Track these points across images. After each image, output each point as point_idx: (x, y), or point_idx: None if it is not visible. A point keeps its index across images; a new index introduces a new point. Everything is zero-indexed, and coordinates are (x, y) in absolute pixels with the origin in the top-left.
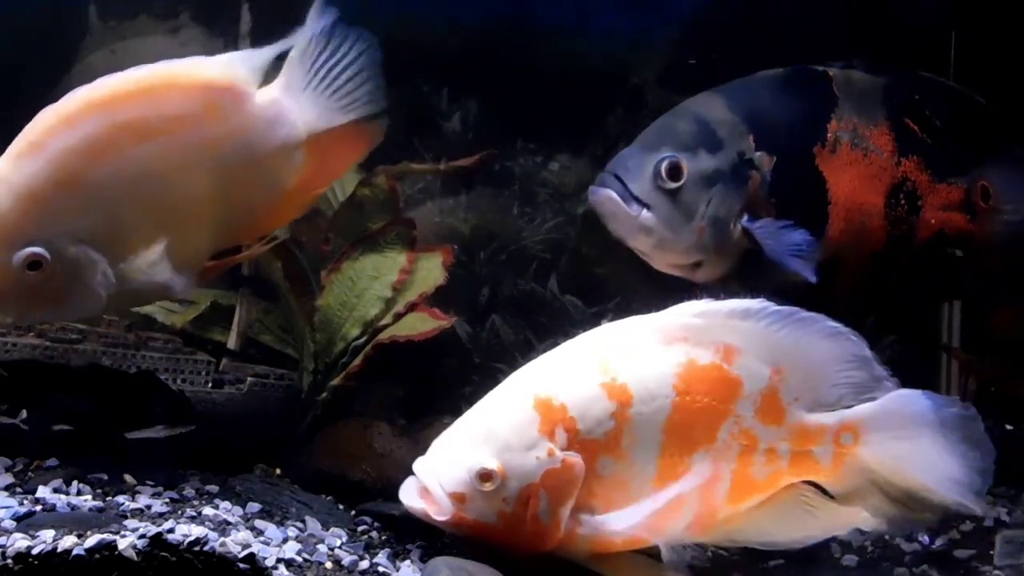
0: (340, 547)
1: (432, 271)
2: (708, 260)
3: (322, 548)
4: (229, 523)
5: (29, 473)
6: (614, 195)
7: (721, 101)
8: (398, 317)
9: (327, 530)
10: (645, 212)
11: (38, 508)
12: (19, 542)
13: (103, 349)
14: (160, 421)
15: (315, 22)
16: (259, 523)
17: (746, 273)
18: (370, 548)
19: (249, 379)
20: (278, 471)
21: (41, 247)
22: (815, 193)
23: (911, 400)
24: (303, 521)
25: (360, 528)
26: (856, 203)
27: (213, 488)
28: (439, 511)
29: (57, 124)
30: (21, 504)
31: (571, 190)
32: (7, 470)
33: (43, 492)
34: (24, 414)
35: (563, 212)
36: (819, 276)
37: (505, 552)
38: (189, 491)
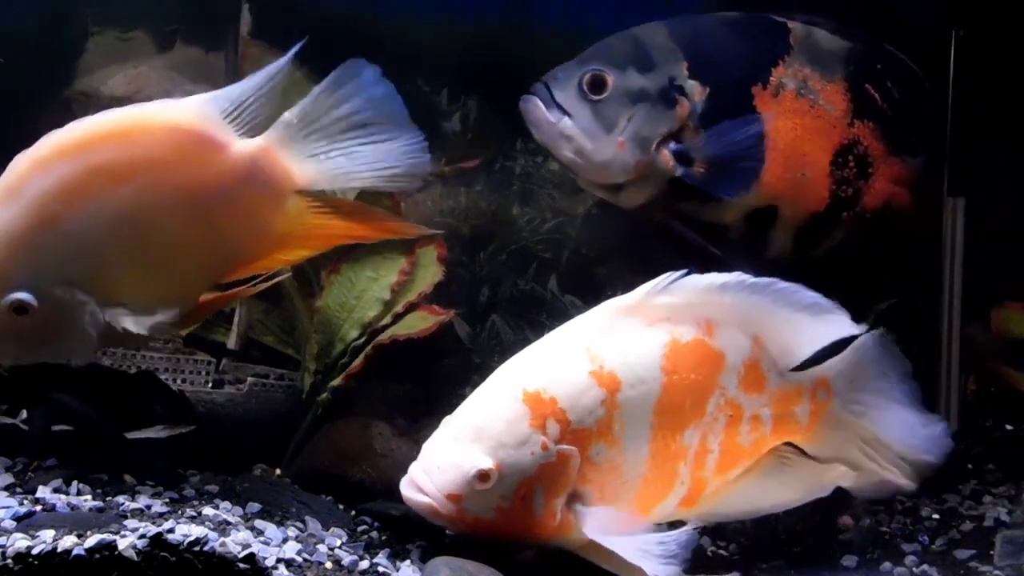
0: (340, 547)
1: (429, 268)
2: (631, 183)
3: (322, 548)
4: (229, 523)
5: (29, 473)
6: (539, 101)
7: (663, 28)
8: (397, 318)
9: (327, 530)
10: (566, 120)
11: (38, 508)
12: (19, 542)
13: (103, 349)
14: (160, 421)
15: (334, 81)
16: (259, 523)
17: (672, 204)
18: (370, 548)
19: (249, 379)
20: (278, 471)
21: (26, 292)
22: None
23: (875, 348)
24: (303, 521)
25: (360, 528)
26: (797, 152)
27: (213, 488)
28: (438, 511)
29: (31, 169)
30: (21, 504)
31: (571, 190)
32: (7, 470)
33: (43, 492)
34: (24, 414)
35: (563, 212)
36: (754, 224)
37: (503, 544)
38: (189, 491)
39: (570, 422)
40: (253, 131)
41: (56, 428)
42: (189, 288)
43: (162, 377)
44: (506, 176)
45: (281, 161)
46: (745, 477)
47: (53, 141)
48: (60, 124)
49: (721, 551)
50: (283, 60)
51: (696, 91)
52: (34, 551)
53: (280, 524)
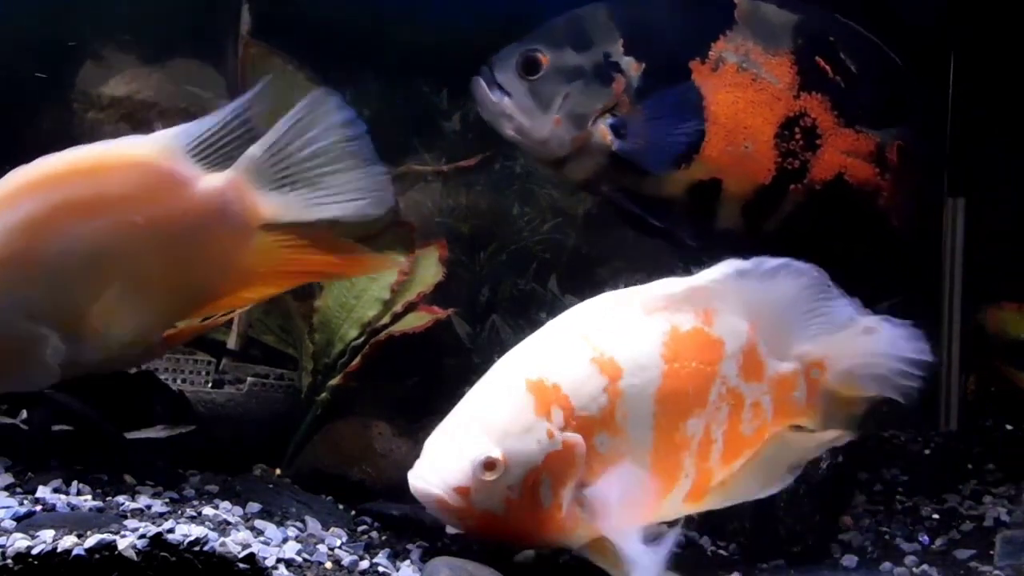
0: (340, 547)
1: (430, 269)
2: (572, 158)
3: (322, 548)
4: (229, 523)
5: (29, 473)
6: (483, 82)
7: (604, 8)
8: (396, 317)
9: (327, 530)
10: (506, 99)
11: (38, 508)
12: (19, 542)
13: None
14: (160, 421)
15: (298, 112)
16: (259, 523)
17: (615, 178)
18: (370, 548)
19: (249, 379)
20: (278, 471)
21: None
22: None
23: (865, 322)
24: (303, 521)
25: (360, 528)
26: (740, 125)
27: (213, 488)
28: (447, 502)
29: None
30: (21, 504)
31: (571, 190)
32: (7, 470)
33: (43, 492)
34: (24, 414)
35: (563, 212)
36: (699, 197)
37: (513, 543)
38: (189, 491)
39: (574, 409)
40: (221, 166)
41: (56, 428)
42: (153, 323)
43: (162, 377)
44: (506, 176)
45: (247, 195)
46: (749, 464)
47: (19, 177)
48: (61, 124)
49: (721, 551)
50: (248, 95)
51: (632, 67)
52: (34, 551)
53: (280, 524)
